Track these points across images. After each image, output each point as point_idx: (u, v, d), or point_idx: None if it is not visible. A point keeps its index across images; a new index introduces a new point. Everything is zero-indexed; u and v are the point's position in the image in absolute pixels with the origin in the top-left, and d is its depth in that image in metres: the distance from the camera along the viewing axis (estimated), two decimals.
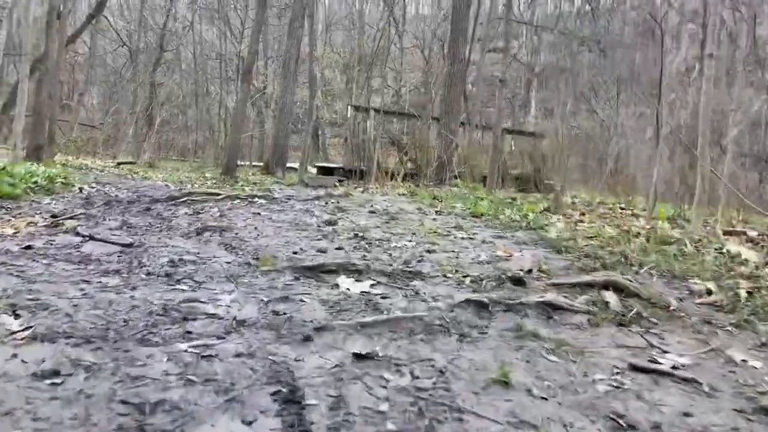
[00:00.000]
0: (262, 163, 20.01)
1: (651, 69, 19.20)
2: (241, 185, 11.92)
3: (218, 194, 8.13)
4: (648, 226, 6.17)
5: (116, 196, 8.63)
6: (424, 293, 3.48)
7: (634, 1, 32.53)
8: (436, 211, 7.15)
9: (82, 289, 3.23)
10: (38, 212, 6.31)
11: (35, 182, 7.64)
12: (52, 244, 4.53)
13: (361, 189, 11.04)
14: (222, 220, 6.47)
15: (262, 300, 3.24)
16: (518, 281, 3.58)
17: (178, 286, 3.44)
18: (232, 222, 6.34)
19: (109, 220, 6.24)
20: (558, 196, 7.58)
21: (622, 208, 8.43)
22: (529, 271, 3.86)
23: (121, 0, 21.79)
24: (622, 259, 4.38)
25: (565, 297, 3.20)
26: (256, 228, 5.94)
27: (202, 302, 3.15)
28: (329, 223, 6.30)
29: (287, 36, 18.72)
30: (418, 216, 6.86)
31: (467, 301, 3.09)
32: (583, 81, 20.51)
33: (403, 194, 9.23)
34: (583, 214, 7.28)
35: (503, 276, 3.69)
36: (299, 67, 19.97)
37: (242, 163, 25.90)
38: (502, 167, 14.97)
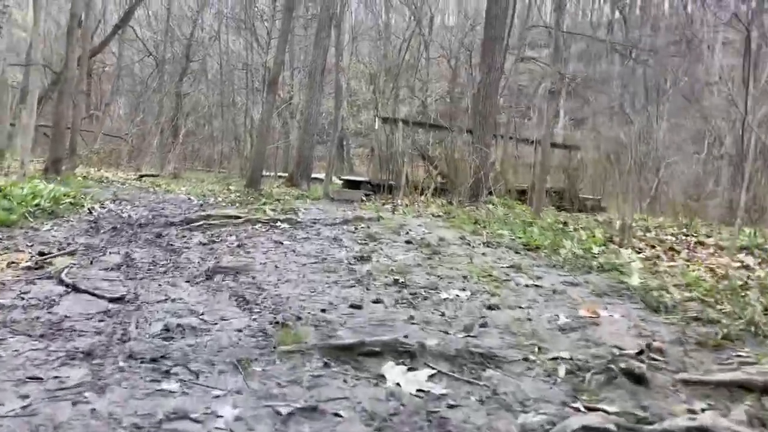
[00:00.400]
0: (287, 174, 19.03)
1: (689, 78, 17.92)
2: (264, 202, 10.91)
3: (238, 217, 7.10)
4: (736, 265, 5.01)
5: (128, 217, 7.65)
6: (507, 395, 2.40)
7: (666, 8, 31.16)
8: (484, 243, 6.04)
9: (25, 396, 2.19)
10: (30, 244, 5.33)
11: (37, 204, 6.69)
12: (22, 299, 3.53)
13: (389, 206, 9.97)
14: (239, 254, 5.44)
15: (279, 413, 2.17)
16: (636, 377, 2.47)
17: (165, 383, 2.39)
18: (249, 257, 5.31)
19: (110, 253, 5.24)
20: (624, 226, 6.42)
21: (686, 235, 7.24)
22: (640, 352, 2.75)
23: (148, 11, 21.01)
24: (751, 328, 3.24)
25: (722, 415, 2.08)
26: (276, 267, 4.89)
27: (192, 419, 2.09)
28: (361, 258, 5.24)
29: (313, 46, 17.76)
30: (463, 249, 5.77)
31: (584, 429, 1.98)
32: (617, 90, 19.27)
33: (439, 216, 8.13)
34: (653, 247, 6.12)
35: (610, 365, 2.58)
36: (325, 78, 18.99)
37: (267, 173, 24.97)
38: (537, 182, 13.84)
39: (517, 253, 5.65)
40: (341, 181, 15.37)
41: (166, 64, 20.32)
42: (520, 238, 6.27)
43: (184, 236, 6.44)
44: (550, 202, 13.45)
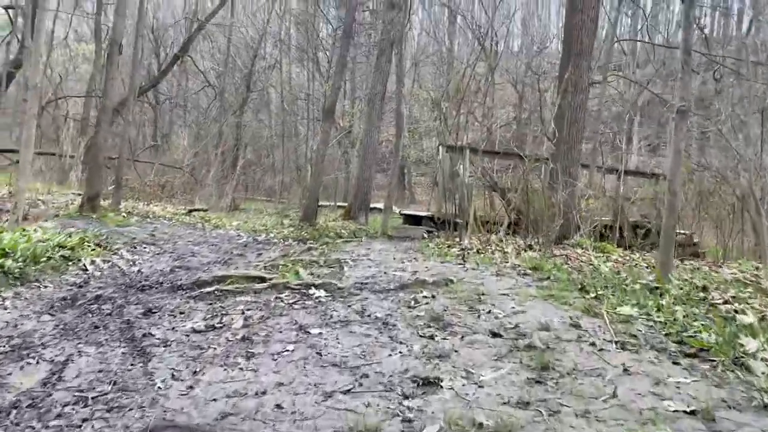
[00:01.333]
0: (347, 204, 17.00)
1: None
2: (318, 244, 8.89)
3: (262, 280, 4.95)
4: None
5: (135, 274, 5.71)
6: None
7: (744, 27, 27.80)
8: (615, 342, 3.65)
9: None
10: None
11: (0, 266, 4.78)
12: None
13: (456, 250, 7.72)
14: (235, 361, 3.32)
15: None
16: None
17: None
18: (249, 368, 3.17)
19: (39, 359, 3.21)
20: None
21: None
22: None
23: (210, 41, 19.68)
24: None
25: None
26: (280, 409, 2.70)
27: None
28: (425, 382, 3.00)
29: (373, 72, 15.83)
30: (585, 354, 3.45)
31: None
32: (710, 111, 16.42)
33: (526, 272, 5.81)
34: None
35: None
36: (385, 105, 16.96)
37: (327, 203, 23.22)
38: (622, 217, 11.27)
39: (675, 363, 3.27)
40: (401, 216, 13.11)
41: (226, 93, 18.83)
42: (660, 323, 3.88)
43: (182, 313, 4.44)
44: (631, 237, 10.90)
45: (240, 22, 19.87)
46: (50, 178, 15.24)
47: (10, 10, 18.41)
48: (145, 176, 15.29)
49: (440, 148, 11.68)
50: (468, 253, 8.06)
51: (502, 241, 9.87)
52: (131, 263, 6.22)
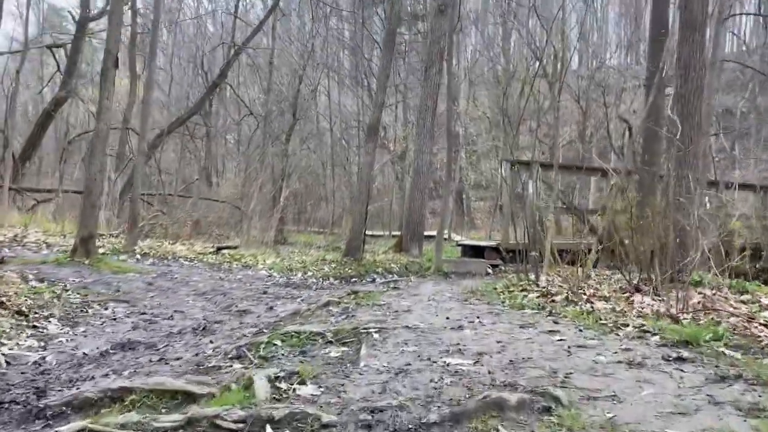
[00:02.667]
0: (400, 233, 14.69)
1: None
2: (351, 296, 6.66)
3: (188, 396, 2.53)
4: None
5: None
6: None
7: None
8: None
9: None
10: None
11: None
12: None
13: (536, 295, 5.35)
14: None
15: None
16: None
17: None
18: None
19: None
20: None
21: None
22: None
23: (256, 67, 18.02)
24: None
25: None
26: None
27: None
28: None
29: (422, 85, 13.59)
30: None
31: None
32: None
33: (678, 354, 3.20)
34: None
35: None
36: (438, 122, 14.61)
37: (381, 233, 20.96)
38: (725, 242, 8.42)
39: None
40: (459, 246, 10.64)
41: (271, 122, 17.08)
42: None
43: None
44: (738, 263, 8.06)
45: (282, 47, 18.23)
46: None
47: (54, 49, 17.40)
48: (189, 213, 13.48)
49: (503, 164, 9.22)
50: (553, 300, 5.53)
51: (590, 277, 7.28)
52: (53, 341, 4.03)
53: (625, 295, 5.85)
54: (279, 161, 17.61)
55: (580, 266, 6.27)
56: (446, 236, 21.79)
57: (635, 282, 6.14)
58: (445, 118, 19.37)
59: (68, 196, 13.56)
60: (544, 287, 6.60)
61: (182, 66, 20.88)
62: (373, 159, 11.78)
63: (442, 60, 13.38)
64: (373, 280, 10.79)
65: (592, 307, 5.07)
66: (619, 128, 24.72)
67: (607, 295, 5.86)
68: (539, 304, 5.42)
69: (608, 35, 39.37)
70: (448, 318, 4.45)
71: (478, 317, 4.53)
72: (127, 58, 14.63)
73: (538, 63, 25.27)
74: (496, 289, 6.68)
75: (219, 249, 10.87)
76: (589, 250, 7.76)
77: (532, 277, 7.25)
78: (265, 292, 7.35)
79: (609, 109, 22.17)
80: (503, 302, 5.67)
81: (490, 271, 9.04)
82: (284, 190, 16.54)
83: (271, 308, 5.78)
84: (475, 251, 10.05)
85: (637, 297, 5.63)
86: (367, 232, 22.12)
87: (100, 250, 9.06)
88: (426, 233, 15.42)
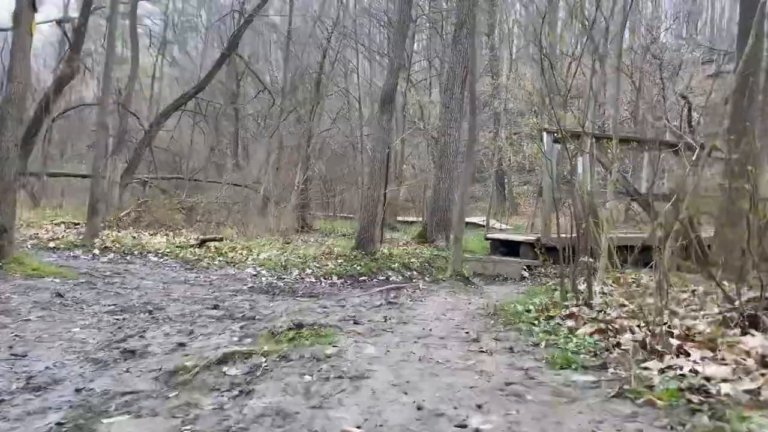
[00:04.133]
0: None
1: None
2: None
3: None
4: None
5: None
6: None
7: None
8: None
9: None
10: None
11: None
12: None
13: (589, 329, 3.13)
14: None
15: None
16: None
17: None
18: None
19: None
20: None
21: None
22: None
23: (271, 44, 15.94)
24: None
25: None
26: None
27: None
28: None
29: (451, 49, 11.23)
30: None
31: None
32: None
33: None
34: None
35: None
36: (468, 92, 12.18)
37: (411, 219, 18.71)
38: None
39: None
40: (488, 241, 8.35)
41: (291, 98, 15.04)
42: None
43: None
44: None
45: (303, 15, 16.09)
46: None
47: (64, 24, 15.82)
48: (184, 199, 11.62)
49: (545, 136, 6.82)
50: (618, 344, 3.23)
51: (663, 289, 4.90)
52: None
53: (733, 333, 3.52)
54: (301, 141, 15.65)
55: (657, 283, 3.92)
56: (485, 223, 19.38)
57: (743, 304, 3.75)
58: (482, 92, 16.89)
59: (64, 181, 11.98)
60: (600, 310, 4.30)
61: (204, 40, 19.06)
62: (389, 134, 9.55)
63: (474, 18, 10.97)
64: (387, 279, 8.68)
65: (692, 370, 2.77)
66: (677, 107, 21.59)
67: (707, 331, 3.53)
68: (596, 351, 3.17)
69: (663, 8, 35.36)
70: (421, 408, 2.23)
71: (484, 403, 2.29)
72: (128, 27, 12.85)
73: (586, 37, 22.30)
74: (529, 311, 4.40)
75: (204, 241, 8.94)
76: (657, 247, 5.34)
77: (583, 287, 4.93)
78: (216, 306, 5.32)
79: (665, 82, 19.19)
80: (537, 343, 3.42)
81: (526, 273, 6.74)
82: (304, 173, 14.59)
83: (184, 345, 3.72)
84: (509, 248, 7.74)
85: (755, 340, 3.28)
86: (398, 218, 20.03)
87: (51, 244, 7.25)
88: (466, 219, 13.12)
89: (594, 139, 6.71)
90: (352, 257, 9.20)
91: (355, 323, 4.07)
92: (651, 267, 5.88)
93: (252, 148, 17.32)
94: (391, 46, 9.42)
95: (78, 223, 9.61)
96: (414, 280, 8.29)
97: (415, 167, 21.70)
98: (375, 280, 8.64)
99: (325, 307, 5.19)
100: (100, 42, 18.40)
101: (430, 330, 3.88)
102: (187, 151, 15.88)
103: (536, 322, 4.06)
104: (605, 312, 4.28)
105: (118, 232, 9.23)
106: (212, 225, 10.93)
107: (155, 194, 12.99)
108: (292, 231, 15.45)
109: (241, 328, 4.33)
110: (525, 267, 6.66)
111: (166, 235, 9.39)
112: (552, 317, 4.17)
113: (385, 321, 4.22)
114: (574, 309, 4.35)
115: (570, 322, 4.00)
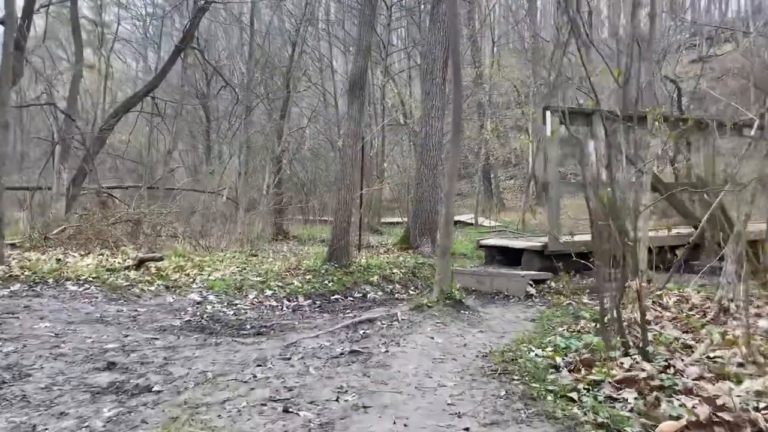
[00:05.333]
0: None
1: None
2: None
3: None
4: None
5: None
6: None
7: None
8: None
9: None
10: None
11: None
12: None
13: (669, 384, 1.26)
14: None
15: None
16: None
17: None
18: None
19: None
20: None
21: None
22: None
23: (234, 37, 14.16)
24: None
25: None
26: None
27: None
28: None
29: (429, 28, 9.62)
30: None
31: None
32: None
33: None
34: None
35: None
36: (452, 65, 10.55)
37: (396, 219, 17.07)
38: None
39: None
40: (482, 249, 6.67)
41: (254, 94, 13.34)
42: None
43: None
44: None
45: (269, 4, 14.33)
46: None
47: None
48: (128, 212, 9.88)
49: (547, 115, 5.17)
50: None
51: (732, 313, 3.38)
52: None
53: None
54: (270, 140, 13.98)
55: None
56: (473, 221, 17.80)
57: None
58: (464, 82, 15.22)
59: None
60: (666, 364, 2.72)
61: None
62: (359, 125, 7.91)
63: None
64: (363, 296, 7.10)
65: None
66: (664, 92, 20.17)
67: None
68: None
69: None
70: None
71: None
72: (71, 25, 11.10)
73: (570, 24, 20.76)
74: (557, 369, 2.78)
75: (142, 261, 7.25)
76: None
77: (612, 315, 3.33)
78: (112, 365, 3.70)
79: (653, 69, 17.72)
80: None
81: (532, 290, 5.15)
82: (275, 175, 12.92)
83: None
84: (507, 256, 6.14)
85: None
86: (381, 220, 18.38)
87: None
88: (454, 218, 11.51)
89: (610, 118, 5.14)
90: (323, 272, 7.61)
91: (285, 411, 2.45)
92: (698, 273, 4.37)
93: (224, 151, 15.59)
94: (359, 24, 7.81)
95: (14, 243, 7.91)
96: (395, 299, 6.71)
97: (399, 165, 20.09)
98: (350, 298, 7.05)
99: (261, 363, 3.57)
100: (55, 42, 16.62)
101: (405, 425, 2.26)
102: (156, 157, 14.09)
103: (575, 394, 2.45)
104: (674, 368, 2.70)
105: (43, 253, 7.51)
106: (162, 239, 9.24)
107: (110, 206, 11.31)
108: (264, 240, 13.80)
109: (117, 416, 2.70)
110: (531, 282, 5.10)
111: (101, 255, 7.69)
112: (598, 383, 2.57)
113: (338, 400, 2.59)
114: (627, 364, 2.75)
115: (631, 395, 2.41)
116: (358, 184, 9.01)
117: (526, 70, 20.56)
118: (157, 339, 4.64)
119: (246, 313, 6.05)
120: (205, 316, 5.69)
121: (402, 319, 4.50)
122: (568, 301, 4.77)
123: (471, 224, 17.11)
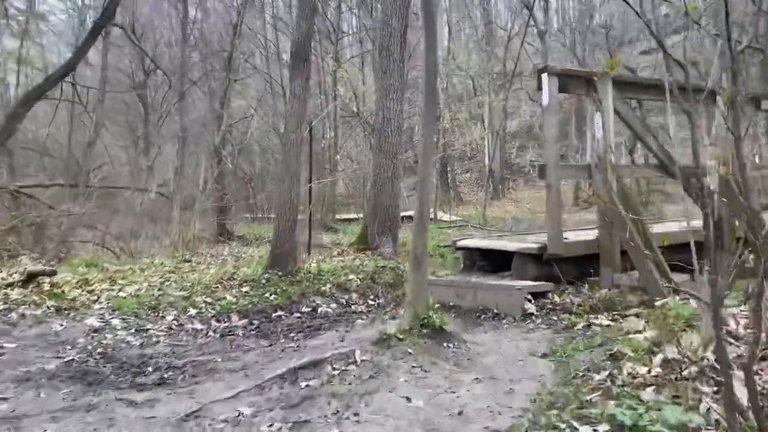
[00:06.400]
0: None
1: None
2: None
3: None
4: None
5: None
6: None
7: None
8: None
9: None
10: None
11: None
12: None
13: None
14: None
15: None
16: None
17: None
18: None
19: None
20: None
21: None
22: None
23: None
24: None
25: None
26: None
27: None
28: None
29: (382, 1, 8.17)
30: None
31: None
32: None
33: None
34: None
35: None
36: (407, 55, 9.30)
37: (353, 216, 15.55)
38: None
39: None
40: (461, 252, 5.10)
41: (194, 83, 11.57)
42: None
43: None
44: None
45: None
46: None
47: None
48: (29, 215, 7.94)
49: (545, 80, 3.74)
50: None
51: None
52: None
53: None
54: (207, 130, 12.23)
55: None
56: (432, 215, 16.46)
57: None
58: (416, 67, 13.78)
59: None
60: None
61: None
62: (305, 106, 6.38)
63: None
64: (313, 311, 5.67)
65: None
66: None
67: None
68: None
69: None
70: None
71: None
72: None
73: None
74: None
75: (31, 276, 5.51)
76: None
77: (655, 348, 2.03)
78: None
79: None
80: None
81: (532, 308, 3.78)
82: (214, 169, 11.23)
83: None
84: (492, 260, 4.76)
85: None
86: (336, 216, 16.82)
87: None
88: (404, 213, 10.09)
89: (612, 87, 3.85)
90: (264, 281, 6.10)
91: None
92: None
93: (162, 144, 13.67)
94: None
95: None
96: (352, 313, 5.32)
97: (354, 159, 18.55)
98: (296, 314, 5.58)
99: None
100: None
101: None
102: (83, 151, 11.94)
103: None
104: None
105: None
106: (73, 245, 7.44)
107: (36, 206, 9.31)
108: (204, 242, 12.06)
109: None
110: (529, 296, 3.77)
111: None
112: None
113: None
114: None
115: None
116: (306, 176, 7.52)
117: (482, 61, 19.43)
118: (4, 401, 3.05)
119: (157, 343, 4.51)
120: (97, 351, 4.11)
121: (362, 361, 3.05)
122: (582, 322, 3.46)
123: (431, 219, 15.78)
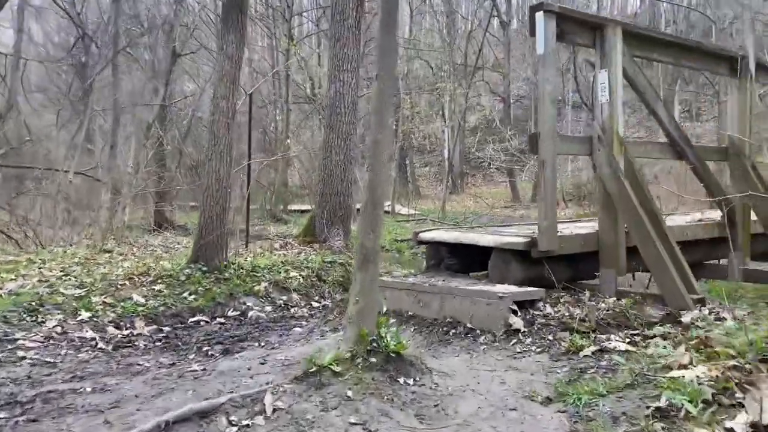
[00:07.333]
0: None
1: None
2: None
3: None
4: None
5: None
6: None
7: None
8: None
9: None
10: None
11: None
12: None
13: None
14: None
15: None
16: None
17: None
18: None
19: None
20: None
21: None
22: None
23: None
24: None
25: None
26: None
27: None
28: None
29: None
30: None
31: None
32: None
33: None
34: None
35: None
36: (366, 30, 8.15)
37: (306, 207, 14.27)
38: None
39: None
40: (425, 246, 3.84)
41: (129, 55, 10.01)
42: None
43: None
44: None
45: None
46: None
47: None
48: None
49: (541, 21, 2.62)
50: None
51: None
52: None
53: None
54: (152, 113, 10.73)
55: None
56: (389, 209, 15.34)
57: None
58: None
59: None
60: None
61: None
62: (238, 67, 5.13)
63: None
64: (243, 314, 4.55)
65: None
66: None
67: None
68: None
69: None
70: None
71: None
72: None
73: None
74: None
75: None
76: None
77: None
78: None
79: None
80: None
81: (518, 323, 2.71)
82: (149, 152, 9.77)
83: None
84: (462, 257, 3.67)
85: None
86: (289, 207, 15.48)
87: None
88: (359, 205, 8.95)
89: (622, 36, 2.85)
90: (185, 278, 4.85)
91: None
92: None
93: (95, 122, 11.97)
94: None
95: None
96: (291, 318, 4.22)
97: (308, 148, 17.22)
98: (219, 319, 4.40)
99: None
100: None
101: None
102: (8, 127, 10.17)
103: None
104: None
105: None
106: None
107: None
108: (139, 230, 10.57)
109: None
110: (514, 306, 2.73)
111: None
112: None
113: None
114: None
115: None
116: (242, 154, 6.29)
117: (443, 50, 18.38)
118: None
119: (20, 360, 3.25)
120: None
121: (275, 411, 1.91)
122: (591, 346, 2.44)
123: (387, 212, 14.70)
